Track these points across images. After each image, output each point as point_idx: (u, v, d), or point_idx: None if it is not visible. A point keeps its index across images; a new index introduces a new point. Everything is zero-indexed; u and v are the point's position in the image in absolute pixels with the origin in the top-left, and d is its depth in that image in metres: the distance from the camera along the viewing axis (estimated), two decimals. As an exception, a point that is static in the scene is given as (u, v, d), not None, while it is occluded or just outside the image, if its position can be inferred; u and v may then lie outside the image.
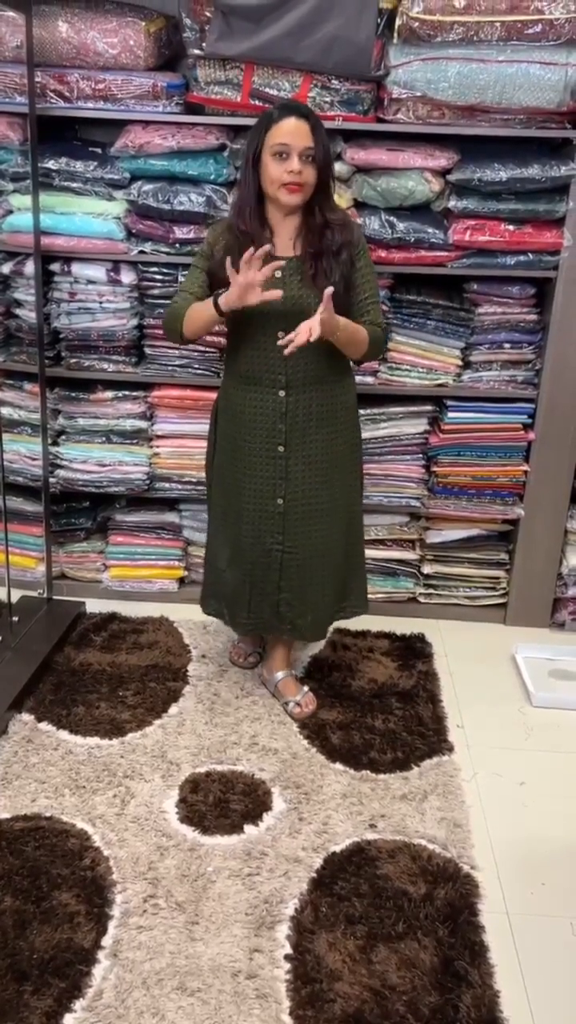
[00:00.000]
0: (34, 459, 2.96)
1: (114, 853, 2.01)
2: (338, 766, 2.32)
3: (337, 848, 2.05)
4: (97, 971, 1.72)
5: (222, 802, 2.17)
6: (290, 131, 2.06)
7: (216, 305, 2.12)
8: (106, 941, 1.78)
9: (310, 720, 2.49)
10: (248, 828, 2.10)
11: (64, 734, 2.40)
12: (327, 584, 2.44)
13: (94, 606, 3.05)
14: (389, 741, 2.41)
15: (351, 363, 2.36)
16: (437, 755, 2.38)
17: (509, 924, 1.88)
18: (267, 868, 1.98)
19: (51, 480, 2.98)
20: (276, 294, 2.07)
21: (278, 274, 2.13)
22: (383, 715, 2.52)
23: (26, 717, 2.46)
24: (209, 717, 2.49)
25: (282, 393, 2.25)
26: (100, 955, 1.75)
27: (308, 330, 2.03)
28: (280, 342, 2.13)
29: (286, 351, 2.08)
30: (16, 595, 3.01)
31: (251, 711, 2.53)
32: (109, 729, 2.42)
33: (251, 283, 2.03)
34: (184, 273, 2.66)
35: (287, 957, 1.76)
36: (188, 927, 1.82)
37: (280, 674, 2.60)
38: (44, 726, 2.43)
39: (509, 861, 2.06)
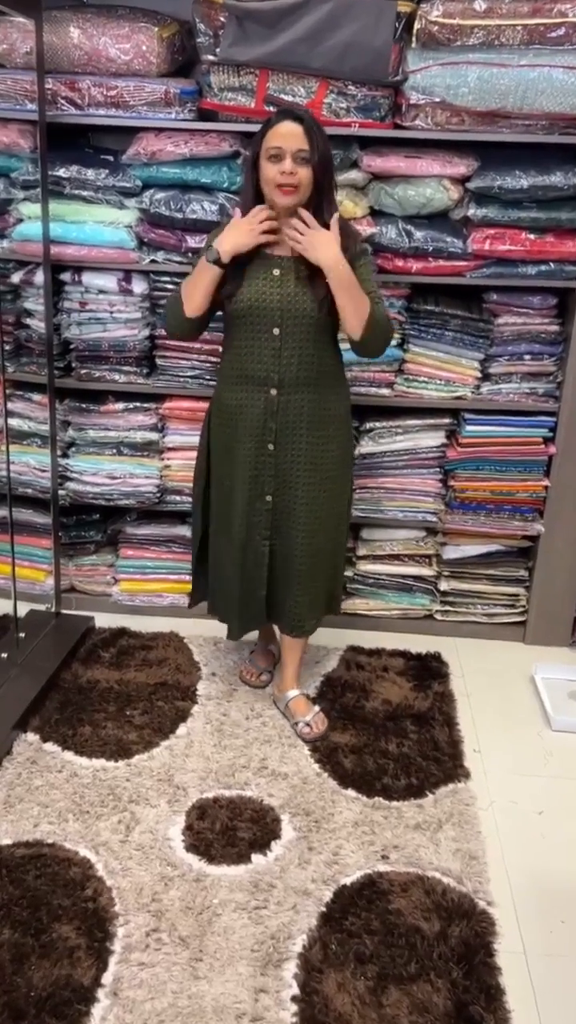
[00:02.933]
0: (43, 471, 2.91)
1: (117, 883, 1.94)
2: (350, 792, 2.25)
3: (348, 880, 1.97)
4: (96, 1011, 1.65)
5: (229, 829, 2.10)
6: (283, 133, 2.08)
7: (213, 258, 2.16)
8: (106, 978, 1.72)
9: (321, 743, 2.42)
10: (256, 857, 2.03)
11: (69, 755, 2.34)
12: (314, 581, 2.42)
13: (103, 620, 2.99)
14: (403, 766, 2.34)
15: (361, 351, 2.25)
16: (453, 782, 2.30)
17: (527, 965, 1.80)
18: (275, 901, 1.91)
19: (60, 492, 2.93)
20: (271, 237, 2.15)
21: (276, 272, 2.16)
22: (397, 739, 2.44)
23: (31, 737, 2.40)
24: (218, 739, 2.43)
25: (274, 391, 2.23)
26: (100, 993, 1.69)
27: (298, 237, 2.11)
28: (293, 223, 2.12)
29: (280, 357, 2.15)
30: (24, 609, 2.97)
31: (261, 733, 2.47)
32: (115, 751, 2.36)
33: (253, 225, 2.12)
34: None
35: (294, 999, 1.69)
36: (192, 964, 1.76)
37: (292, 693, 2.54)
38: (49, 746, 2.37)
39: (527, 896, 1.97)
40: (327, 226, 2.14)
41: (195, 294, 2.21)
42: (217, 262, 2.15)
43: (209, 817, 2.14)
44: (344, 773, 2.31)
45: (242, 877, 1.98)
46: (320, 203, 2.16)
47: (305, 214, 2.11)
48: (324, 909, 1.89)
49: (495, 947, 1.82)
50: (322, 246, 2.11)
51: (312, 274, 2.16)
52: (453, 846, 2.09)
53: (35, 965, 1.73)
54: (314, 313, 2.18)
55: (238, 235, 2.15)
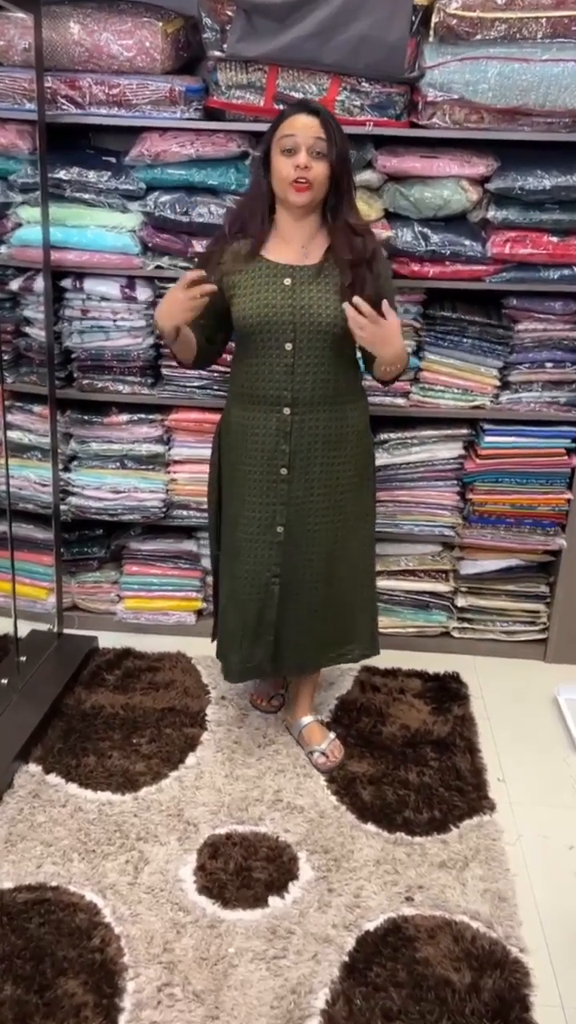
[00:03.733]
0: (44, 485, 2.79)
1: (126, 930, 1.83)
2: (370, 827, 2.13)
3: (371, 926, 1.86)
4: (106, 1077, 1.54)
5: (244, 870, 1.99)
6: (297, 125, 1.94)
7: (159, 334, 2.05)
8: (116, 1039, 1.61)
9: (338, 772, 2.31)
10: (273, 900, 1.91)
11: (73, 787, 2.23)
12: (326, 620, 2.24)
13: (107, 640, 2.88)
14: (425, 798, 2.22)
15: (379, 382, 2.17)
16: (478, 814, 2.19)
17: (565, 1020, 1.68)
18: (294, 950, 1.80)
19: (62, 508, 2.82)
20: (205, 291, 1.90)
21: (287, 282, 2.01)
22: (417, 767, 2.33)
23: (33, 768, 2.29)
24: (229, 769, 2.31)
25: (287, 411, 2.07)
26: (109, 1057, 1.58)
27: (361, 324, 1.88)
28: (350, 305, 1.89)
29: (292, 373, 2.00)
30: (25, 628, 2.85)
31: (274, 762, 2.35)
32: (122, 783, 2.24)
33: (184, 297, 1.89)
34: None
35: (318, 1062, 1.58)
36: (207, 1022, 1.64)
37: (305, 719, 2.42)
38: (52, 778, 2.26)
39: (561, 941, 1.86)
40: (352, 229, 2.02)
41: (175, 351, 2.09)
42: (172, 332, 1.98)
43: (222, 856, 2.02)
44: (363, 806, 2.20)
45: (259, 922, 1.86)
46: (338, 205, 2.03)
47: (360, 303, 1.87)
48: (347, 959, 1.78)
49: (531, 1000, 1.71)
50: (393, 339, 1.93)
51: (354, 283, 1.97)
52: (481, 886, 1.97)
53: (39, 1025, 1.61)
54: (332, 326, 2.01)
55: (170, 311, 1.92)
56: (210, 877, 1.97)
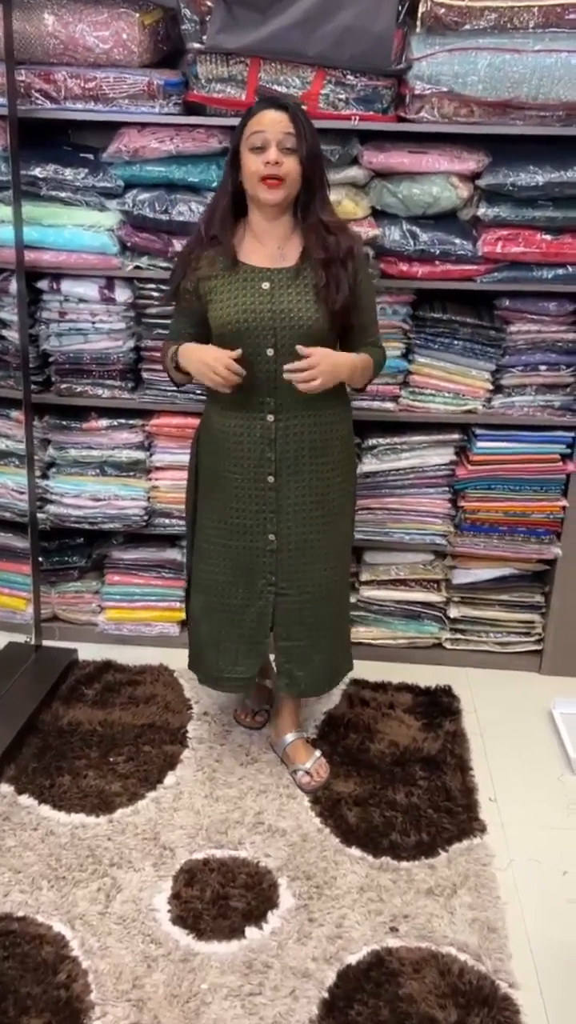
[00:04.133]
0: (22, 493, 2.70)
1: (94, 965, 1.74)
2: (354, 851, 2.04)
3: (353, 959, 1.77)
4: None
5: (221, 898, 1.90)
6: (266, 121, 1.89)
7: (178, 365, 2.04)
8: None
9: (323, 793, 2.22)
10: (250, 932, 1.82)
11: (46, 809, 2.14)
12: (328, 631, 2.18)
13: (88, 651, 2.79)
14: (413, 820, 2.13)
15: (355, 390, 2.15)
16: (467, 837, 2.10)
17: (557, 1064, 1.59)
18: (271, 985, 1.71)
19: (40, 516, 2.73)
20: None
21: (265, 285, 1.95)
22: (406, 787, 2.23)
23: (5, 788, 2.20)
24: (209, 789, 2.22)
25: (271, 417, 2.01)
26: None
27: (306, 378, 1.90)
28: (288, 369, 1.91)
29: (288, 374, 1.92)
30: (3, 640, 2.77)
31: (256, 781, 2.26)
32: (97, 804, 2.15)
33: (222, 377, 1.92)
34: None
35: None
36: (176, 1067, 1.55)
37: (289, 736, 2.33)
38: (25, 799, 2.17)
39: (553, 976, 1.76)
40: (326, 227, 1.96)
41: (179, 381, 2.12)
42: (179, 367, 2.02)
43: (199, 883, 1.93)
44: (348, 829, 2.10)
45: (234, 956, 1.77)
46: (310, 202, 1.96)
47: (292, 366, 1.90)
48: (327, 995, 1.69)
49: (520, 1041, 1.61)
50: (336, 368, 1.93)
51: (328, 284, 1.94)
52: (469, 915, 1.88)
53: (-2, 1070, 1.52)
54: (313, 330, 1.95)
55: (204, 375, 1.94)
56: (185, 906, 1.87)
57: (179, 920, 1.84)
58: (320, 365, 1.89)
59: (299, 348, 1.90)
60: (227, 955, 1.77)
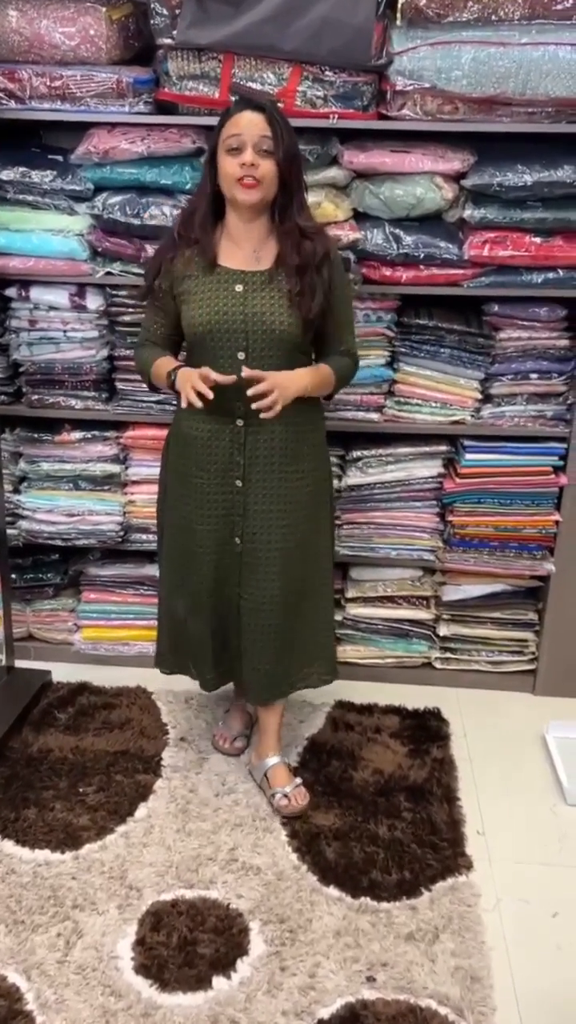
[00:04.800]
0: (-7, 509, 2.60)
1: (49, 1020, 1.63)
2: (332, 891, 1.93)
3: (326, 1013, 1.66)
4: None
5: (188, 943, 1.79)
6: (243, 123, 1.85)
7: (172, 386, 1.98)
8: None
9: (301, 826, 2.11)
10: (217, 982, 1.71)
11: (9, 845, 2.03)
12: (287, 639, 2.12)
13: (63, 672, 2.69)
14: (395, 856, 2.02)
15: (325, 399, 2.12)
16: (452, 875, 1.99)
17: None
18: (237, 1044, 1.60)
19: (11, 532, 2.63)
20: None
21: (239, 288, 1.91)
22: (389, 820, 2.13)
23: (-33, 822, 2.10)
24: (182, 822, 2.11)
25: (240, 422, 1.97)
26: None
27: (270, 403, 1.87)
28: (245, 374, 1.87)
29: (249, 381, 1.88)
30: (-25, 660, 2.67)
31: (232, 814, 2.15)
32: (63, 839, 2.05)
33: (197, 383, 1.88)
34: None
35: None
36: None
37: (271, 760, 2.22)
38: (-13, 834, 2.06)
39: (540, 1031, 1.65)
40: (301, 231, 1.92)
41: (165, 387, 2.05)
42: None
43: (165, 927, 1.82)
44: (326, 865, 1.99)
45: (199, 1009, 1.66)
46: (287, 205, 1.91)
47: (250, 373, 1.86)
48: (296, 1055, 1.58)
49: None
50: (291, 388, 1.90)
51: (302, 291, 1.90)
52: (452, 963, 1.77)
53: None
54: (285, 335, 1.92)
55: (184, 394, 1.90)
56: (149, 953, 1.77)
57: (142, 969, 1.74)
58: (274, 391, 1.87)
59: (245, 374, 1.87)
60: (191, 1008, 1.66)
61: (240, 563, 2.06)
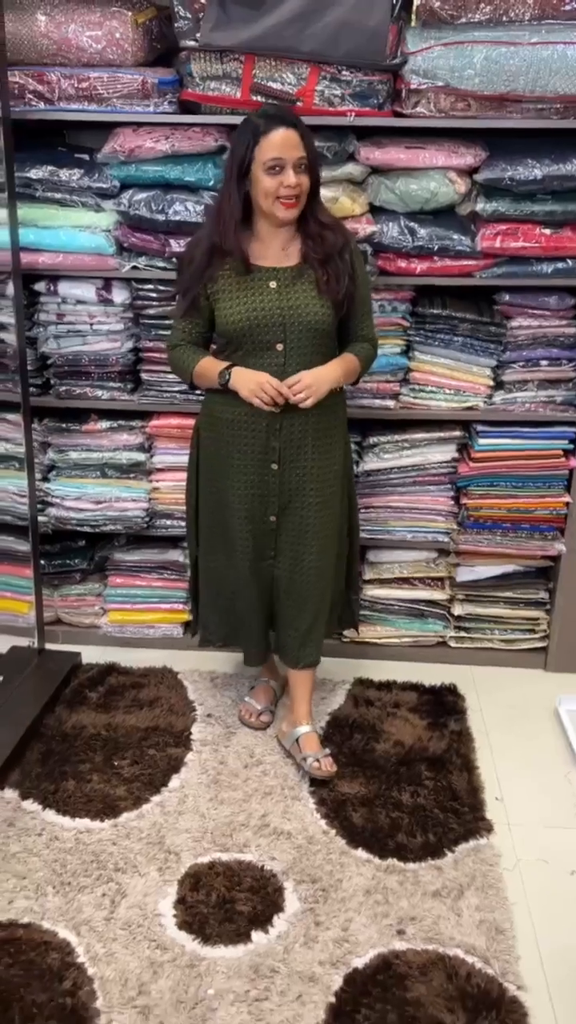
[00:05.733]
0: (22, 496, 2.69)
1: (100, 971, 1.73)
2: (360, 853, 2.03)
3: (360, 963, 1.75)
4: None
5: (227, 902, 1.89)
6: (281, 144, 1.95)
7: (225, 385, 2.08)
8: None
9: (328, 795, 2.20)
10: (256, 936, 1.81)
11: (51, 814, 2.13)
12: (320, 605, 2.27)
13: (92, 654, 2.78)
14: (419, 820, 2.12)
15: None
16: (474, 837, 2.08)
17: (566, 1066, 1.58)
18: (278, 990, 1.70)
19: (41, 519, 2.72)
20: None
21: (273, 285, 2.03)
22: (411, 787, 2.22)
23: (9, 794, 2.19)
24: (214, 792, 2.21)
25: (277, 409, 2.07)
26: None
27: (301, 396, 2.02)
28: (278, 387, 2.02)
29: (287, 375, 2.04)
30: (6, 644, 2.76)
31: (261, 784, 2.25)
32: (101, 809, 2.14)
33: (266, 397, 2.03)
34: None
35: None
36: (183, 1073, 1.54)
37: (303, 728, 2.33)
38: (29, 804, 2.16)
39: (562, 978, 1.75)
40: (322, 225, 2.04)
41: (206, 385, 2.16)
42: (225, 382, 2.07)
43: (204, 887, 1.92)
44: (354, 830, 2.09)
45: (241, 960, 1.76)
46: (312, 204, 2.04)
47: (275, 383, 2.01)
48: (333, 999, 1.68)
49: (529, 1044, 1.60)
50: (325, 384, 2.04)
51: (328, 279, 2.03)
52: (477, 917, 1.87)
53: (4, 1079, 1.52)
54: (320, 323, 2.05)
55: (249, 395, 2.03)
56: (190, 911, 1.86)
57: (185, 925, 1.83)
58: (309, 386, 2.02)
59: (288, 382, 2.02)
60: (233, 960, 1.76)
61: (276, 537, 2.19)
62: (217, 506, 2.23)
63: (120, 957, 1.76)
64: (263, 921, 1.84)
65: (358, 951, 1.78)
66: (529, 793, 2.27)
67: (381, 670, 2.72)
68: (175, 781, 2.24)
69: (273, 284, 2.03)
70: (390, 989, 1.69)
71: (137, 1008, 1.65)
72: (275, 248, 2.06)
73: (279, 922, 1.84)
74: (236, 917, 1.85)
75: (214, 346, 2.20)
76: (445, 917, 1.86)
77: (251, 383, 2.02)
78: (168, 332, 2.44)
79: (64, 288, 2.52)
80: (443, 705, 2.58)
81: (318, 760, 2.25)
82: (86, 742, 2.37)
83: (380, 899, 1.91)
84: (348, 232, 2.15)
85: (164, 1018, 1.64)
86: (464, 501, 2.65)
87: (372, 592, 2.79)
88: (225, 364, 2.08)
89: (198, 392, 2.56)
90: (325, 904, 1.89)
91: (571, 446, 2.58)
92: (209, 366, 2.09)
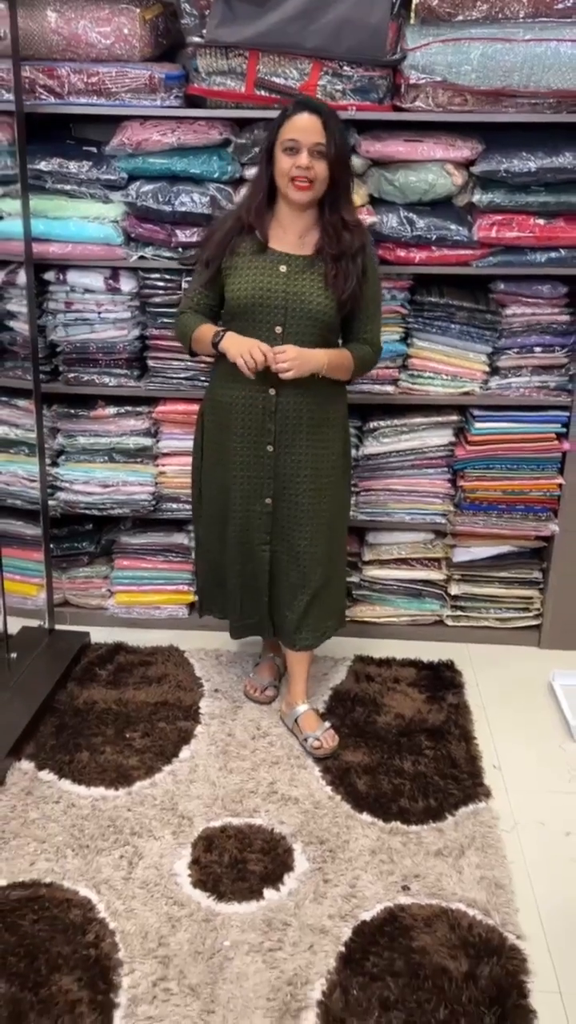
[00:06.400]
0: (32, 480, 2.77)
1: (120, 926, 1.81)
2: (365, 817, 2.12)
3: (367, 916, 1.85)
4: (101, 1074, 1.53)
5: (239, 862, 1.97)
6: (301, 127, 2.02)
7: (216, 344, 2.13)
8: (112, 1035, 1.59)
9: (333, 763, 2.29)
10: (268, 893, 1.90)
11: (66, 784, 2.21)
12: (313, 592, 2.31)
13: (99, 635, 2.86)
14: (420, 786, 2.21)
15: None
16: (473, 802, 2.18)
17: (563, 1006, 1.68)
18: (290, 941, 1.79)
19: (51, 503, 2.79)
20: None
21: (282, 269, 2.10)
22: (412, 756, 2.32)
23: (26, 765, 2.27)
24: (223, 761, 2.30)
25: (272, 391, 2.15)
26: (105, 1053, 1.56)
27: (283, 366, 2.05)
28: (265, 351, 2.06)
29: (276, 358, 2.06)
30: (16, 626, 2.83)
31: (268, 754, 2.34)
32: (115, 778, 2.23)
33: (253, 360, 2.05)
34: (188, 279, 2.50)
35: (315, 1054, 1.57)
36: (203, 1016, 1.63)
37: (301, 708, 2.41)
38: (45, 775, 2.24)
39: (559, 928, 1.85)
40: (343, 224, 2.11)
41: (204, 351, 2.22)
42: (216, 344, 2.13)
43: (217, 849, 2.01)
44: (358, 796, 2.18)
45: (254, 915, 1.85)
46: (336, 199, 2.11)
47: (264, 347, 2.05)
48: (343, 949, 1.77)
49: (528, 987, 1.69)
50: (310, 362, 2.07)
51: (337, 275, 2.09)
52: (477, 874, 1.96)
53: (34, 1023, 1.60)
54: (320, 314, 2.11)
55: (239, 351, 2.06)
56: (205, 871, 1.95)
57: (200, 884, 1.92)
58: (293, 359, 2.05)
59: (275, 350, 2.06)
60: (247, 914, 1.85)
61: (272, 521, 2.25)
62: (219, 488, 2.29)
63: (139, 913, 1.85)
64: (274, 879, 1.93)
65: (365, 905, 1.87)
66: (525, 761, 2.36)
67: (380, 648, 2.82)
68: (185, 752, 2.33)
69: (283, 268, 2.10)
70: (397, 939, 1.78)
71: (158, 958, 1.74)
72: (293, 235, 2.13)
73: (289, 880, 1.93)
74: (248, 876, 1.94)
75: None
76: (447, 874, 1.96)
77: (241, 345, 2.06)
78: (174, 320, 2.53)
79: (73, 277, 2.60)
80: (441, 680, 2.67)
81: (319, 739, 2.33)
82: (98, 716, 2.45)
83: (385, 858, 2.00)
84: (368, 237, 2.21)
85: (183, 967, 1.72)
86: (461, 483, 2.74)
87: (371, 572, 2.88)
88: (220, 328, 2.15)
89: (203, 378, 2.66)
90: (333, 863, 1.98)
91: (564, 430, 2.68)
92: (206, 330, 2.15)
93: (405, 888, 1.92)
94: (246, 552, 2.30)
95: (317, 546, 2.27)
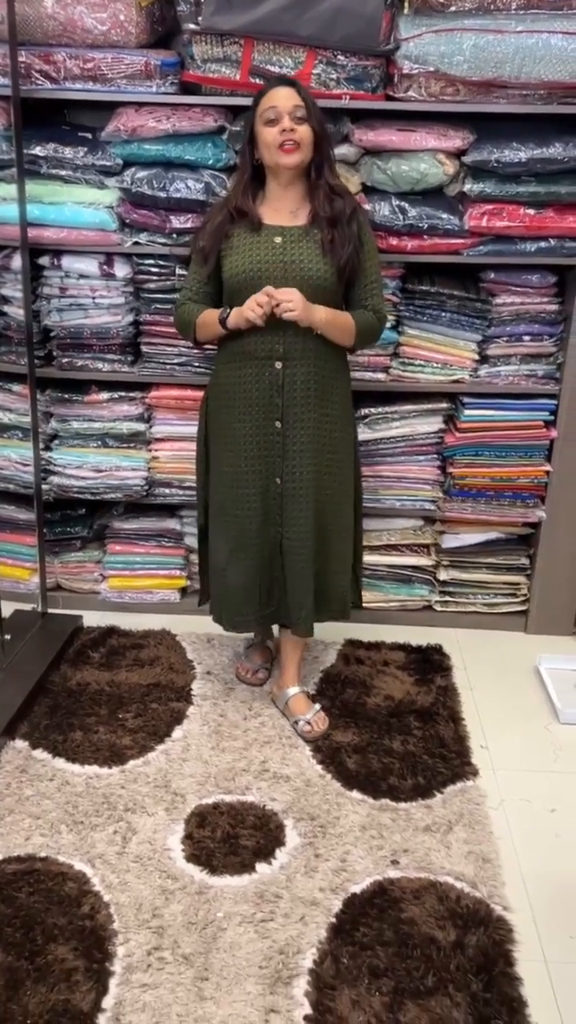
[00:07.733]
0: (25, 465, 2.79)
1: (115, 898, 1.84)
2: (355, 794, 2.16)
3: (357, 888, 1.89)
4: (97, 1038, 1.56)
5: (231, 837, 2.01)
6: (278, 96, 2.08)
7: (223, 323, 2.14)
8: (107, 1002, 1.62)
9: (323, 743, 2.33)
10: (260, 867, 1.94)
11: (60, 762, 2.24)
12: (321, 580, 2.31)
13: (92, 619, 2.88)
14: (409, 765, 2.25)
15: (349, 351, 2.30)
16: (461, 780, 2.22)
17: (548, 975, 1.72)
18: (282, 913, 1.82)
19: (44, 487, 2.81)
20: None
21: (278, 240, 2.12)
22: (401, 736, 2.36)
23: (20, 744, 2.30)
24: (215, 741, 2.33)
25: (279, 365, 2.16)
26: (101, 1019, 1.59)
27: (288, 305, 2.05)
28: (269, 292, 2.07)
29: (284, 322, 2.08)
30: (9, 609, 2.85)
31: (260, 734, 2.37)
32: (108, 756, 2.25)
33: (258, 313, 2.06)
34: (182, 267, 2.52)
35: (307, 1018, 1.60)
36: (197, 984, 1.66)
37: (292, 690, 2.44)
38: (39, 753, 2.26)
39: (544, 900, 1.89)
40: (331, 188, 2.14)
41: (209, 338, 2.23)
42: (223, 321, 2.14)
43: (209, 825, 2.04)
44: (348, 774, 2.22)
45: (246, 888, 1.88)
46: (320, 165, 2.15)
47: (268, 290, 2.06)
48: (334, 920, 1.81)
49: (514, 956, 1.74)
50: (310, 311, 2.08)
51: (333, 240, 2.11)
52: (465, 848, 2.00)
53: (31, 991, 1.63)
54: (320, 280, 2.12)
55: (244, 310, 2.08)
56: (198, 845, 1.98)
57: (193, 858, 1.95)
58: (297, 303, 2.05)
59: (280, 290, 2.06)
60: (239, 887, 1.88)
61: (281, 503, 2.23)
62: (230, 474, 2.25)
63: (133, 886, 1.88)
64: (266, 854, 1.97)
65: (356, 879, 1.91)
66: (512, 742, 2.41)
67: (370, 632, 2.85)
68: (178, 732, 2.36)
69: (278, 239, 2.12)
70: (386, 911, 1.82)
71: (152, 929, 1.77)
72: (284, 210, 2.16)
73: (281, 855, 1.97)
74: (241, 851, 1.97)
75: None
76: (435, 849, 2.00)
77: (246, 304, 2.07)
78: (168, 305, 2.56)
79: (68, 262, 2.61)
80: (430, 663, 2.71)
81: (309, 723, 2.36)
82: (91, 697, 2.48)
83: (375, 834, 2.04)
84: (356, 202, 2.23)
85: (177, 937, 1.76)
86: (450, 470, 2.78)
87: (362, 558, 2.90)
88: (202, 307, 2.19)
89: (196, 364, 2.68)
90: (324, 839, 2.02)
91: (551, 417, 2.72)
92: (211, 313, 2.17)
93: (394, 862, 1.96)
94: (262, 538, 2.26)
95: (317, 528, 2.24)
